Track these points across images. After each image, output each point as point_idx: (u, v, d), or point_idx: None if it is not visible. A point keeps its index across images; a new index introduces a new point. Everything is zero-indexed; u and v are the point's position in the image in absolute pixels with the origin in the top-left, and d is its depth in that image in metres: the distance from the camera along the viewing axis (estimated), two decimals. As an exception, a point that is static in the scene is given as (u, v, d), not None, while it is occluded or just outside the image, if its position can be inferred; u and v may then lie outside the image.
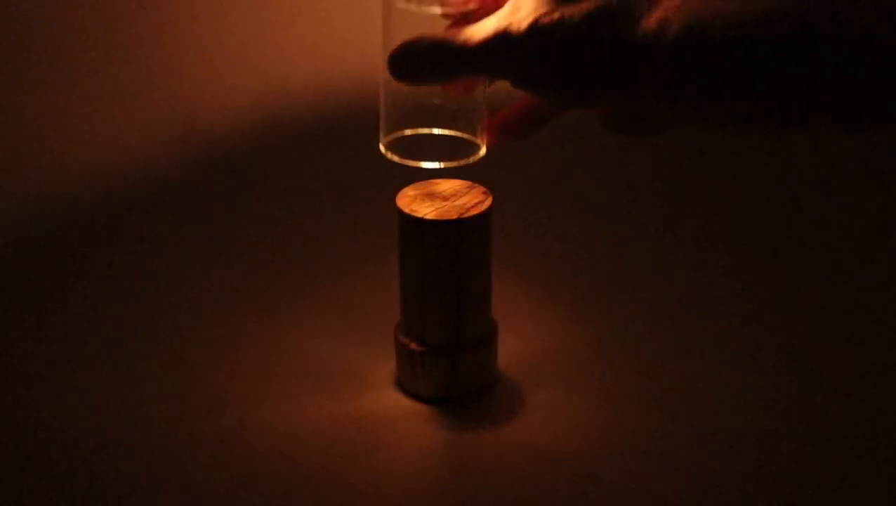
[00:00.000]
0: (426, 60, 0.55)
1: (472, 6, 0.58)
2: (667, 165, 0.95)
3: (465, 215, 0.62)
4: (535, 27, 0.51)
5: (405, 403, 0.66)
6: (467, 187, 0.64)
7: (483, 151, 0.62)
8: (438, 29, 0.58)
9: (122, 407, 0.66)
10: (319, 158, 0.88)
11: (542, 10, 0.51)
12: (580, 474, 0.61)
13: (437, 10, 0.57)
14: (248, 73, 0.92)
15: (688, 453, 0.62)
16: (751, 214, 0.89)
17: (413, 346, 0.65)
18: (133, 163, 0.82)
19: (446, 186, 0.64)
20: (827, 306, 0.76)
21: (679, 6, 0.47)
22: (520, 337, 0.72)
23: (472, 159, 0.61)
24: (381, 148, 0.62)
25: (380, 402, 0.66)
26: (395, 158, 0.61)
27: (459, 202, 0.63)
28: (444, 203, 0.63)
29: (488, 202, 0.63)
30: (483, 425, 0.65)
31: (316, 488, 0.60)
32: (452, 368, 0.65)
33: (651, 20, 0.47)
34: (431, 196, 0.63)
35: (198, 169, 0.85)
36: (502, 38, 0.52)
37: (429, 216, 0.62)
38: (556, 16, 0.50)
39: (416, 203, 0.63)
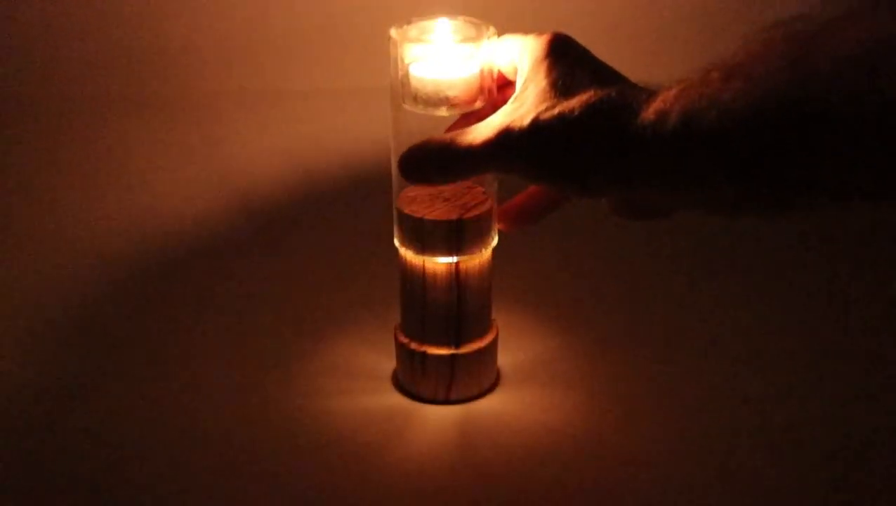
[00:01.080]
0: (435, 164, 0.56)
1: (477, 106, 0.59)
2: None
3: (466, 216, 0.62)
4: (536, 123, 0.51)
5: (405, 403, 0.67)
6: (467, 188, 0.64)
7: (496, 239, 0.64)
8: (446, 126, 0.60)
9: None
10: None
11: (543, 106, 0.52)
12: (580, 474, 0.61)
13: (444, 111, 0.59)
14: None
15: (686, 452, 0.62)
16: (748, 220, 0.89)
17: (413, 346, 0.66)
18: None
19: (447, 186, 0.65)
20: (821, 307, 0.77)
21: (676, 96, 0.47)
22: (520, 337, 0.73)
23: (484, 250, 0.64)
24: (396, 242, 0.64)
25: (380, 402, 0.67)
26: (411, 252, 0.63)
27: (460, 203, 0.63)
28: (445, 203, 0.63)
29: (489, 203, 0.63)
30: (483, 425, 0.65)
31: (316, 486, 0.60)
32: (452, 368, 0.65)
33: (649, 111, 0.48)
34: (432, 197, 0.64)
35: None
36: (505, 137, 0.53)
37: (429, 216, 0.62)
38: (555, 111, 0.51)
39: (416, 203, 0.63)
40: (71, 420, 0.65)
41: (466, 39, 0.59)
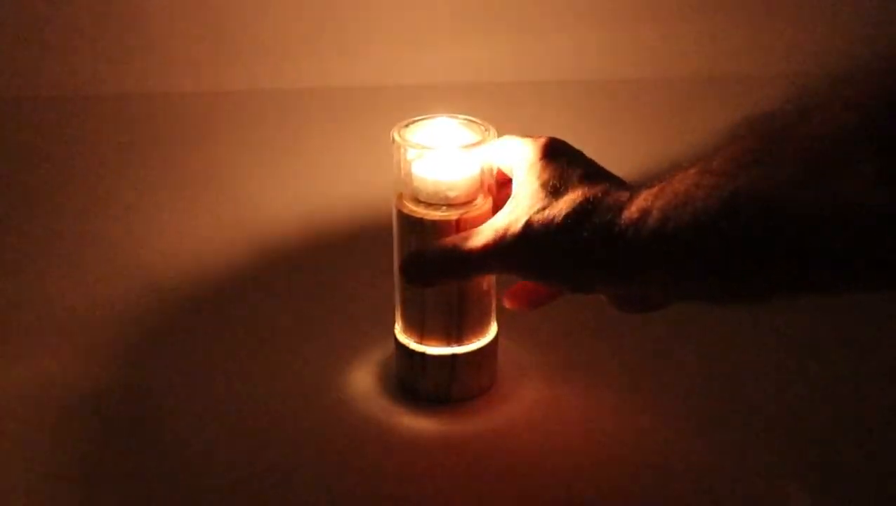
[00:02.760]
0: (435, 268, 0.60)
1: (477, 205, 0.61)
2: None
3: (466, 216, 0.62)
4: (528, 226, 0.54)
5: (405, 403, 0.66)
6: None
7: (496, 329, 0.66)
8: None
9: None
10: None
11: (535, 208, 0.55)
12: (580, 474, 0.61)
13: (444, 211, 0.61)
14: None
15: (686, 454, 0.62)
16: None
17: (413, 346, 0.65)
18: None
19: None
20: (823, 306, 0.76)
21: (657, 194, 0.49)
22: (520, 337, 0.72)
23: (483, 342, 0.65)
24: (398, 333, 0.66)
25: (379, 402, 0.67)
26: (412, 341, 0.65)
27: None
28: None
29: (489, 203, 0.63)
30: (483, 425, 0.65)
31: (316, 487, 0.60)
32: (452, 368, 0.65)
33: (633, 210, 0.50)
34: (432, 197, 0.63)
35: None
36: (501, 240, 0.56)
37: (429, 217, 0.62)
38: (545, 213, 0.54)
39: (416, 203, 0.63)
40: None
41: (468, 144, 0.61)
